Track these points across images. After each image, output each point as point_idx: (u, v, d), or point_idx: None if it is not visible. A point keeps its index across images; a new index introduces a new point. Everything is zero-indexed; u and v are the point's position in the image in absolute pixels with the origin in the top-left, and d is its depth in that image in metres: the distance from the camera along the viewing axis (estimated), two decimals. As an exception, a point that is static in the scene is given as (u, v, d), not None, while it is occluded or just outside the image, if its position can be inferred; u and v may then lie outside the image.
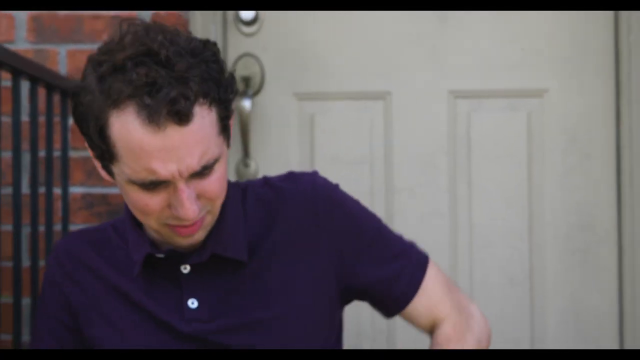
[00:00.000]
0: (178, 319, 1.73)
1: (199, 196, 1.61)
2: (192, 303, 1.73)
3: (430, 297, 1.90)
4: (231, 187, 1.76)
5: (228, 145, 1.67)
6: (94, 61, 1.58)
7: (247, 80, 2.95)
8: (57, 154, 2.60)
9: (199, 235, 1.68)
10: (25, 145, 2.54)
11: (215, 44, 1.63)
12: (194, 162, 1.56)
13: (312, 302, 1.78)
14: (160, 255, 1.72)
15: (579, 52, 3.00)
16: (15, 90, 2.25)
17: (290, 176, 1.84)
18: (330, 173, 2.89)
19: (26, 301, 2.67)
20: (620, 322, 2.97)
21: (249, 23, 2.96)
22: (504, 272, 3.01)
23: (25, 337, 2.66)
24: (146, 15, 2.80)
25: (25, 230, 2.60)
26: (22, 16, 2.80)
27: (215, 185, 1.62)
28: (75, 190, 2.78)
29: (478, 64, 3.02)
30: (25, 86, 2.41)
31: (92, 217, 2.76)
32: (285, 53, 3.02)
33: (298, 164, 3.00)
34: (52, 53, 2.81)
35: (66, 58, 2.80)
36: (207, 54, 1.58)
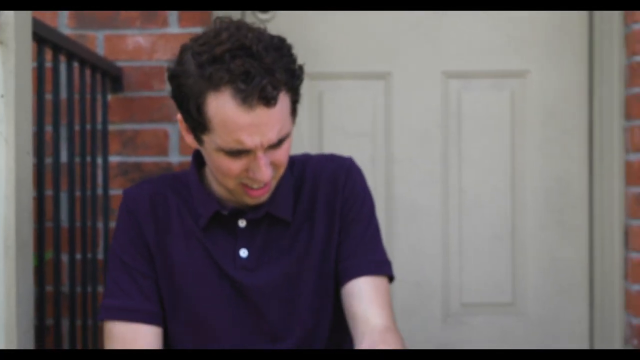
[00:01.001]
0: (230, 264, 2.01)
1: (272, 163, 1.90)
2: (243, 252, 2.01)
3: (377, 292, 2.03)
4: (293, 161, 2.06)
5: (294, 123, 1.96)
6: (192, 50, 1.85)
7: (262, 62, 3.27)
8: (98, 127, 2.90)
9: (265, 197, 1.97)
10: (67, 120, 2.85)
11: (287, 41, 1.90)
12: (273, 136, 1.85)
13: (327, 259, 2.04)
14: (225, 212, 2.01)
15: (557, 38, 3.26)
16: (69, 70, 2.59)
17: (328, 156, 2.11)
18: (336, 144, 3.24)
19: (65, 256, 2.97)
20: (590, 272, 3.25)
21: (264, 11, 3.27)
22: (489, 229, 3.29)
23: (65, 288, 2.94)
24: (173, 14, 3.08)
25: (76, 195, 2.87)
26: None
27: (284, 155, 1.92)
28: (113, 159, 3.05)
29: (468, 48, 3.28)
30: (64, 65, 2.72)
31: (127, 182, 3.02)
32: (296, 37, 3.27)
33: (309, 135, 3.28)
34: (91, 37, 3.09)
35: (103, 42, 3.09)
36: (286, 49, 1.87)
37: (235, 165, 1.89)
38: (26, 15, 2.09)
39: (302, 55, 3.24)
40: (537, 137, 3.29)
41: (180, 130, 2.00)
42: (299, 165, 2.09)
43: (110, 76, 2.98)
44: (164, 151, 3.05)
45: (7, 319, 2.00)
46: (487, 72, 3.30)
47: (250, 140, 1.84)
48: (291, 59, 1.89)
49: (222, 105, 1.82)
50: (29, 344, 2.07)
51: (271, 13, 3.25)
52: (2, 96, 2.00)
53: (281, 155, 1.91)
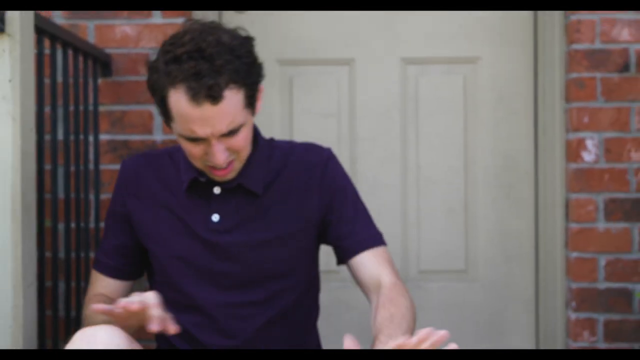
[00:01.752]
0: (203, 228, 2.31)
1: (228, 149, 2.18)
2: (215, 217, 2.31)
3: (380, 259, 2.34)
4: (264, 142, 2.35)
5: (253, 114, 2.23)
6: (164, 49, 2.16)
7: (238, 49, 3.54)
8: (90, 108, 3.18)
9: (230, 176, 2.26)
10: (62, 101, 3.12)
11: (252, 39, 2.19)
12: (222, 128, 2.14)
13: (301, 231, 2.34)
14: (202, 180, 2.31)
15: (505, 28, 3.50)
16: (64, 57, 2.89)
17: (309, 145, 2.41)
18: (305, 124, 3.51)
19: (61, 225, 3.24)
20: (536, 241, 3.50)
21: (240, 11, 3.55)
22: (444, 203, 3.53)
23: (61, 254, 3.22)
24: (156, 13, 3.32)
25: (62, 171, 3.15)
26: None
27: (240, 142, 2.20)
28: (103, 137, 3.31)
29: (424, 37, 3.52)
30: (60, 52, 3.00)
31: (116, 158, 3.28)
32: (269, 28, 3.53)
33: (280, 117, 3.53)
34: (83, 27, 3.34)
35: (94, 31, 3.36)
36: (243, 51, 2.14)
37: (196, 150, 2.19)
38: (29, 10, 2.39)
39: (273, 44, 3.51)
40: (487, 118, 3.53)
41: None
42: (283, 151, 2.38)
43: (101, 62, 3.25)
44: (148, 130, 3.32)
45: (14, 271, 2.30)
46: (441, 59, 3.53)
47: (201, 131, 2.13)
48: (247, 59, 2.16)
49: (177, 100, 2.12)
50: (32, 297, 2.38)
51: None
52: (10, 80, 2.29)
53: (237, 142, 2.19)
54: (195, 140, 2.18)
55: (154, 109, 3.30)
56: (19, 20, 2.31)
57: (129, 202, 2.39)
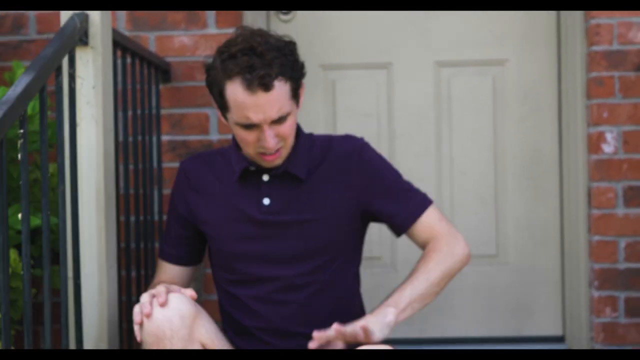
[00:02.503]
0: (256, 211, 2.62)
1: (277, 135, 2.50)
2: (266, 201, 2.63)
3: (431, 220, 2.68)
4: (305, 135, 2.67)
5: (297, 106, 2.56)
6: (219, 50, 2.51)
7: (285, 55, 3.84)
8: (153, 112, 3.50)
9: (278, 162, 2.57)
10: (131, 105, 3.44)
11: (294, 43, 2.53)
12: (273, 114, 2.46)
13: (342, 211, 2.64)
14: (252, 168, 2.63)
15: (531, 32, 3.78)
16: (133, 66, 3.22)
17: (345, 136, 2.72)
18: (348, 123, 3.82)
19: (131, 218, 3.57)
20: (561, 227, 3.77)
21: (286, 13, 3.86)
22: (476, 194, 3.81)
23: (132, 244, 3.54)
24: (210, 14, 3.65)
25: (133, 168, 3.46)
26: (121, 10, 3.67)
27: (287, 129, 2.52)
28: (164, 137, 3.62)
29: (456, 42, 3.81)
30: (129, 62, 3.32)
31: (176, 157, 3.60)
32: (313, 36, 3.83)
33: (324, 117, 3.83)
34: (144, 38, 3.67)
35: (155, 42, 3.68)
36: (287, 50, 2.49)
37: (250, 136, 2.52)
38: (108, 26, 2.72)
39: (317, 50, 3.82)
40: (515, 115, 3.81)
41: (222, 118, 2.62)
42: (322, 142, 2.70)
43: (162, 70, 3.57)
44: (205, 131, 3.65)
45: (99, 254, 2.63)
46: (472, 61, 3.82)
47: (255, 117, 2.46)
48: (291, 57, 2.50)
49: (234, 91, 2.46)
50: (114, 277, 2.71)
51: (292, 14, 3.83)
52: (94, 87, 2.63)
53: (285, 129, 2.52)
54: (249, 127, 2.50)
55: (210, 112, 3.62)
56: (100, 34, 2.64)
57: (188, 196, 2.71)
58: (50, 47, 2.39)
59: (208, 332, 2.41)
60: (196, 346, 2.37)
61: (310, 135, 2.73)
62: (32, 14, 3.66)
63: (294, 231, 2.63)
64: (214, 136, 3.64)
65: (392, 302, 2.49)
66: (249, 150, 2.57)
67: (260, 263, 2.62)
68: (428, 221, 2.68)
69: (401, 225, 2.68)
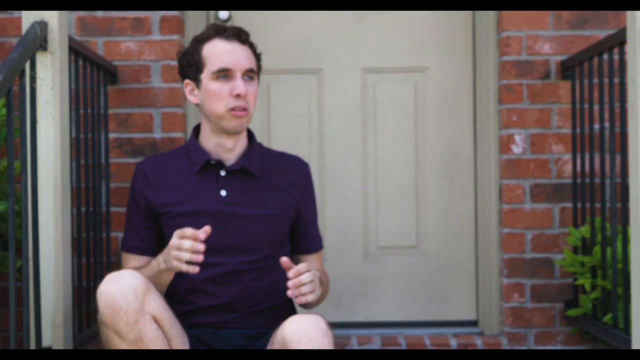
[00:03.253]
0: (214, 201, 2.92)
1: (247, 89, 2.87)
2: (223, 192, 2.93)
3: (318, 259, 3.12)
4: (257, 142, 3.02)
5: (258, 83, 2.95)
6: (194, 37, 2.95)
7: (223, 61, 4.14)
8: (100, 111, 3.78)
9: (244, 123, 2.91)
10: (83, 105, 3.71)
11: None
12: (246, 64, 2.88)
13: (285, 215, 2.99)
14: (213, 162, 2.94)
15: (449, 42, 4.12)
16: (84, 69, 3.50)
17: (296, 156, 3.11)
18: (281, 124, 4.12)
19: (82, 209, 3.84)
20: (475, 220, 4.12)
21: (225, 21, 4.12)
22: (399, 189, 4.14)
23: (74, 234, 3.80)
24: (155, 21, 3.93)
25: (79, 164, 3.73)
26: (71, 16, 3.88)
27: (252, 90, 2.91)
28: (111, 135, 3.89)
29: (381, 50, 4.13)
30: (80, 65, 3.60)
31: (122, 153, 3.87)
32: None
33: (259, 118, 4.12)
34: (93, 43, 3.92)
35: (103, 46, 3.95)
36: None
37: (224, 88, 2.88)
38: (64, 33, 3.01)
39: (254, 56, 4.07)
40: (434, 118, 4.14)
41: (186, 95, 2.97)
42: (277, 155, 3.09)
43: (109, 72, 3.86)
44: (149, 129, 3.93)
45: (56, 238, 2.92)
46: (396, 68, 4.15)
47: (231, 61, 2.88)
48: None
49: (212, 45, 2.90)
50: (68, 257, 3.00)
51: (229, 23, 4.12)
52: (52, 88, 2.92)
53: (250, 89, 2.91)
54: (224, 77, 2.89)
55: (154, 111, 3.91)
56: (58, 40, 2.93)
57: (147, 193, 3.00)
58: (15, 52, 2.68)
59: (158, 306, 2.71)
60: (147, 317, 2.66)
61: (261, 144, 3.09)
62: (-13, 18, 3.93)
63: (247, 223, 2.94)
64: (157, 134, 3.93)
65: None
66: (221, 106, 2.90)
67: (214, 252, 2.87)
68: (318, 258, 3.16)
69: (304, 248, 3.11)
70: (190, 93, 2.97)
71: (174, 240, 2.69)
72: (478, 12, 4.07)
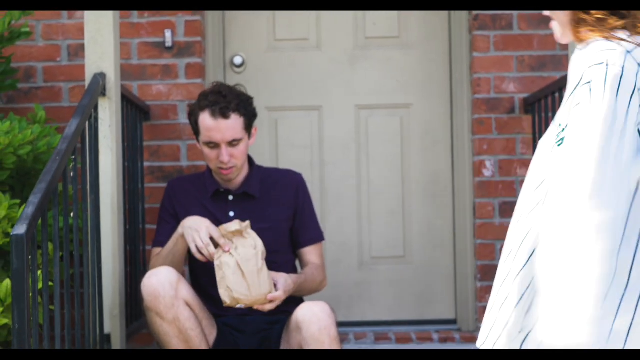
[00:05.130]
0: (225, 220, 3.59)
1: (231, 155, 3.53)
2: (232, 213, 3.65)
3: (317, 251, 3.77)
4: (257, 166, 3.70)
5: (249, 137, 3.61)
6: (200, 94, 3.61)
7: (238, 99, 4.83)
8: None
9: (231, 176, 3.59)
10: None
11: (251, 97, 3.62)
12: (228, 137, 3.52)
13: (282, 224, 3.68)
14: (222, 190, 3.66)
15: (430, 83, 4.79)
16: (126, 109, 4.22)
17: (288, 170, 3.79)
18: (287, 153, 4.84)
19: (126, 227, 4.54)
20: (453, 233, 4.78)
21: (239, 66, 4.85)
22: (388, 208, 4.80)
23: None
24: (181, 68, 4.68)
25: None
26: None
27: (238, 152, 3.57)
28: (145, 164, 4.57)
29: (372, 89, 4.81)
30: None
31: (154, 179, 4.56)
32: (260, 84, 4.81)
33: (269, 148, 4.78)
34: (129, 86, 4.63)
35: (137, 89, 4.66)
36: (244, 97, 3.59)
37: (212, 154, 3.58)
38: (118, 82, 3.73)
39: (263, 94, 4.83)
40: (418, 147, 4.80)
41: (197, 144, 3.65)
42: (270, 172, 3.76)
43: (143, 111, 4.57)
44: (177, 159, 4.64)
45: (113, 246, 3.64)
46: (384, 105, 4.82)
47: (215, 137, 3.54)
48: (246, 101, 3.59)
49: (203, 118, 3.56)
50: (122, 260, 3.71)
51: (242, 68, 4.81)
52: (110, 126, 3.64)
53: (237, 152, 3.58)
54: (212, 146, 3.56)
55: (181, 143, 4.63)
56: (114, 88, 3.66)
57: (176, 206, 3.73)
58: (85, 99, 3.41)
59: (188, 293, 3.43)
60: (181, 301, 3.37)
61: (260, 167, 3.79)
62: (40, 66, 4.64)
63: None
64: (184, 163, 4.64)
65: (294, 277, 3.57)
66: (212, 165, 3.62)
67: None
68: (318, 249, 3.79)
69: (301, 242, 3.76)
70: (198, 143, 3.68)
71: (200, 226, 3.43)
72: (454, 57, 4.76)
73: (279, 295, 3.39)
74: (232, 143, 3.56)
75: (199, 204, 3.69)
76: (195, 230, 3.41)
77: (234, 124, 3.55)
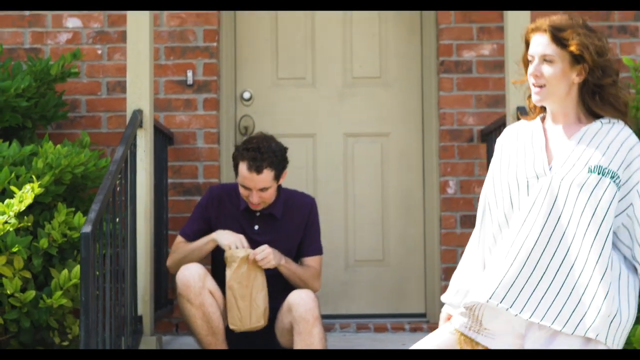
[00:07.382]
0: (250, 232, 4.50)
1: (260, 197, 4.43)
2: (256, 227, 4.57)
3: (316, 262, 4.64)
4: (282, 189, 4.58)
5: (278, 182, 4.45)
6: (244, 141, 4.48)
7: (246, 128, 5.67)
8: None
9: (259, 208, 4.47)
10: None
11: (286, 148, 4.47)
12: (259, 186, 4.40)
13: (296, 239, 4.58)
14: (252, 207, 4.56)
15: (406, 116, 5.67)
16: (156, 135, 5.19)
17: (304, 193, 4.65)
18: (288, 173, 5.68)
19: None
20: (424, 240, 5.64)
21: (247, 100, 5.78)
22: (370, 219, 5.66)
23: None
24: (199, 101, 5.63)
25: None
26: None
27: (266, 196, 4.45)
28: (169, 181, 5.47)
29: (357, 121, 5.68)
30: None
31: (176, 193, 5.47)
32: (264, 114, 5.70)
33: None
34: (157, 116, 5.61)
35: (163, 119, 5.62)
36: (279, 152, 4.44)
37: (245, 192, 4.47)
38: (152, 115, 4.71)
39: (267, 124, 5.78)
40: (395, 169, 5.66)
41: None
42: (293, 194, 4.63)
43: (168, 137, 5.53)
44: (195, 176, 5.54)
45: (145, 251, 4.61)
46: (368, 133, 5.68)
47: (249, 184, 4.40)
48: (280, 156, 4.43)
49: (241, 168, 4.42)
50: (151, 260, 4.68)
51: (251, 101, 5.73)
52: (144, 151, 4.62)
53: (266, 195, 4.45)
54: (245, 188, 4.45)
55: (198, 164, 5.58)
56: (149, 120, 4.64)
57: (211, 210, 4.61)
58: (128, 130, 4.38)
59: (212, 285, 4.38)
60: (206, 291, 4.32)
61: (285, 189, 4.63)
62: (83, 99, 5.61)
63: (274, 247, 4.50)
64: (200, 180, 5.58)
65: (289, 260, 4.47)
66: (244, 197, 4.51)
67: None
68: (315, 261, 4.63)
69: (304, 253, 4.63)
70: (236, 176, 4.55)
71: (241, 241, 4.34)
72: (425, 95, 5.66)
73: (265, 248, 4.33)
74: (262, 189, 4.40)
75: (230, 215, 4.55)
76: (237, 238, 4.33)
77: (265, 177, 4.36)
